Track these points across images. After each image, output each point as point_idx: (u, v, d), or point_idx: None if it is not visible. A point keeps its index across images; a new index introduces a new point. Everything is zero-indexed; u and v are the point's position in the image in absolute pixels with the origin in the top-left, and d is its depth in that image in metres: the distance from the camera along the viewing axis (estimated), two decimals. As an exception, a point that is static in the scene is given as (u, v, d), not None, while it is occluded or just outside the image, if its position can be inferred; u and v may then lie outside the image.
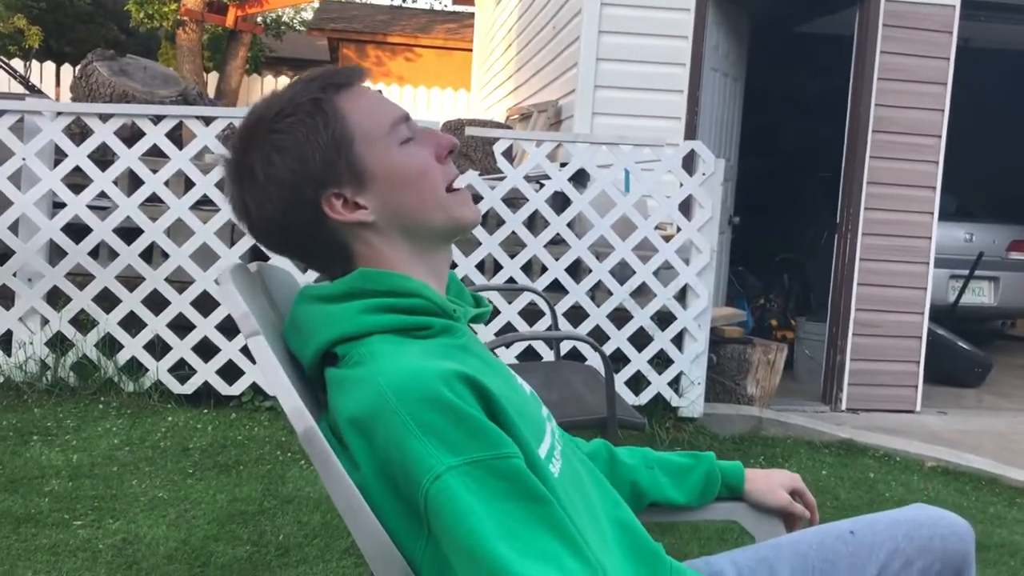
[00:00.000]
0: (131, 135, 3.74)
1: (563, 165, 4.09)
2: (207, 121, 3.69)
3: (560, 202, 4.04)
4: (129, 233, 3.70)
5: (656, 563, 1.16)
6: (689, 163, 4.14)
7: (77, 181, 3.72)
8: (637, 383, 4.03)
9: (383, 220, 1.08)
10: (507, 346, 3.62)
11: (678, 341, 4.01)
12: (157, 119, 3.64)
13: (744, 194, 6.59)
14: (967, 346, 6.29)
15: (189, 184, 3.72)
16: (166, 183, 3.69)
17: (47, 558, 2.48)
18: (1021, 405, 5.86)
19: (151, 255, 3.78)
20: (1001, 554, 3.00)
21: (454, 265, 3.79)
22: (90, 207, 3.69)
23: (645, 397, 3.99)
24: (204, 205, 3.77)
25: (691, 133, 5.19)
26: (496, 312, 3.80)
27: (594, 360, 3.75)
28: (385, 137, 1.07)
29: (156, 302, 3.71)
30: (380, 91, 1.15)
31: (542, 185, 3.94)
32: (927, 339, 5.52)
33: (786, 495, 1.47)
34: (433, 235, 1.11)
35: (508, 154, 3.93)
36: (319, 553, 2.62)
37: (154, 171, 3.64)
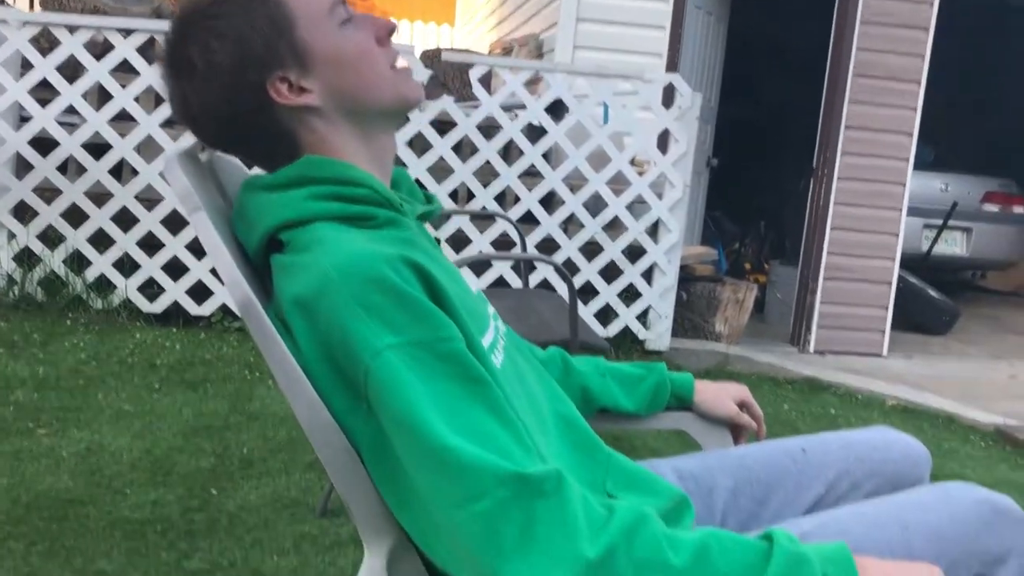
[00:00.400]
0: (102, 51, 3.68)
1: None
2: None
3: (537, 134, 4.03)
4: (98, 149, 3.65)
5: (595, 451, 1.18)
6: (669, 99, 4.13)
7: (45, 96, 3.66)
8: (606, 316, 4.07)
9: (328, 104, 1.07)
10: (477, 274, 3.64)
11: (648, 275, 4.04)
12: (127, 32, 3.58)
13: (725, 140, 6.59)
14: (936, 294, 6.37)
15: (160, 101, 3.68)
16: (136, 99, 3.64)
17: (10, 463, 2.50)
18: (984, 352, 5.97)
19: (120, 172, 3.74)
20: (952, 487, 3.08)
21: (423, 186, 3.78)
22: (58, 121, 3.64)
23: (613, 330, 4.03)
24: (175, 122, 3.72)
25: (672, 70, 5.17)
26: (467, 241, 3.80)
27: (563, 291, 3.77)
28: (326, 18, 1.06)
29: (125, 219, 3.69)
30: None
31: (518, 115, 3.91)
32: (897, 286, 5.59)
33: (734, 406, 1.49)
34: (378, 115, 1.10)
35: (485, 81, 3.90)
36: (283, 466, 2.66)
37: (124, 86, 3.59)
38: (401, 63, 1.13)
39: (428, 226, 1.57)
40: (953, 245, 7.37)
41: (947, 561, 1.01)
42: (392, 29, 1.11)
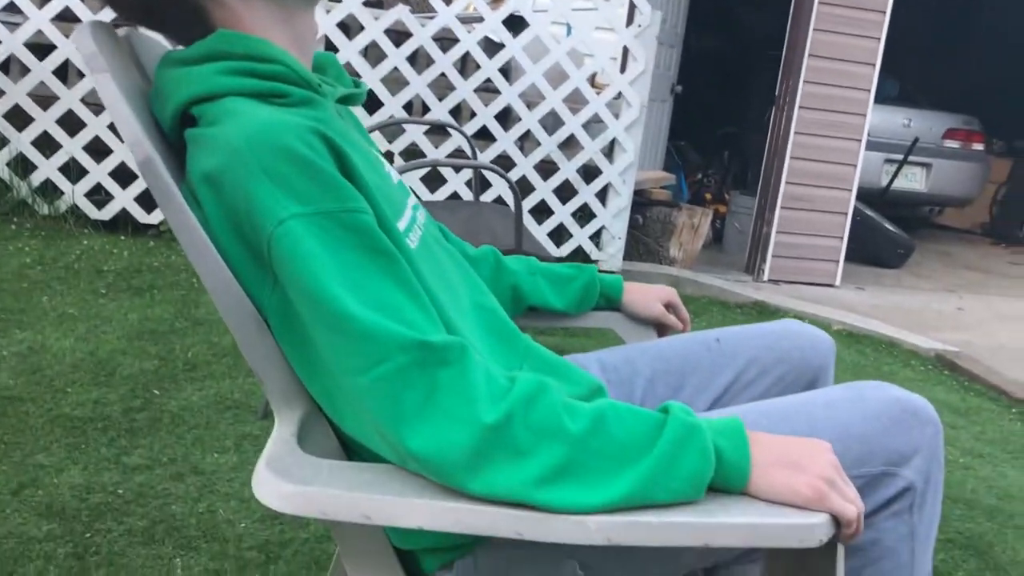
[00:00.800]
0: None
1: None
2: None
3: (494, 49, 3.98)
4: (42, 49, 3.55)
5: (513, 340, 1.19)
6: (630, 19, 4.08)
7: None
8: (559, 235, 4.08)
9: None
10: (431, 191, 3.62)
11: (602, 196, 4.05)
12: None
13: (692, 69, 6.55)
14: (892, 228, 6.45)
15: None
16: (82, -1, 3.54)
17: (-52, 360, 2.49)
18: (936, 286, 6.08)
19: (66, 74, 3.65)
20: (887, 406, 3.16)
21: (373, 97, 3.72)
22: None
23: (566, 249, 4.04)
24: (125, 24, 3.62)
25: (637, -7, 5.10)
26: (421, 153, 3.77)
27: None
28: None
29: (71, 123, 3.60)
30: None
31: (475, 28, 3.85)
32: (854, 218, 5.64)
33: (660, 307, 1.52)
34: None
35: (447, -1, 3.84)
36: (226, 371, 2.67)
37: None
38: None
39: (380, 135, 1.53)
40: (912, 180, 7.45)
41: (851, 457, 1.03)
42: None
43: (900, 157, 7.19)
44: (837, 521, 0.88)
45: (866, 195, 6.82)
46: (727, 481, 0.89)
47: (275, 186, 0.91)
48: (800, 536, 0.87)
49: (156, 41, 1.35)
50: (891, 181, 7.23)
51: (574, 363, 1.37)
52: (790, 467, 0.90)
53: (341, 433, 1.02)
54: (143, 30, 1.22)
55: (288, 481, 0.88)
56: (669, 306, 1.54)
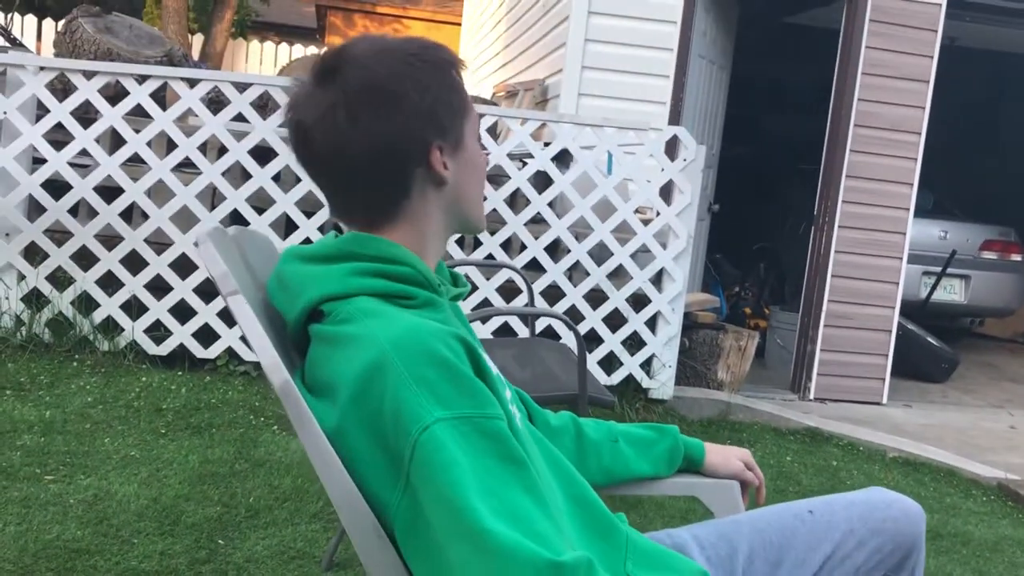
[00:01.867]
0: (114, 94, 3.72)
1: (547, 145, 4.12)
2: (192, 83, 3.68)
3: (542, 181, 4.07)
4: (109, 192, 3.69)
5: (612, 533, 1.19)
6: (671, 149, 4.18)
7: (58, 138, 3.70)
8: (609, 363, 4.09)
9: (450, 189, 1.14)
10: (483, 321, 3.66)
11: (652, 324, 4.07)
12: (142, 79, 3.62)
13: (725, 182, 6.64)
14: (935, 342, 6.40)
15: (172, 146, 3.72)
16: (148, 143, 3.68)
17: (18, 510, 2.49)
18: (983, 401, 5.99)
19: (131, 215, 3.77)
20: (954, 543, 3.08)
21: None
22: (71, 164, 3.68)
23: (617, 378, 4.04)
24: (186, 167, 3.76)
25: (675, 119, 5.23)
26: (474, 288, 3.83)
27: (568, 339, 3.80)
28: (475, 126, 1.16)
29: (134, 262, 3.71)
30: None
31: (525, 163, 3.96)
32: (897, 333, 5.62)
33: (740, 464, 1.56)
34: (461, 223, 1.20)
35: (492, 131, 3.95)
36: (288, 516, 2.66)
37: (137, 131, 3.63)
38: None
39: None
40: (952, 292, 7.41)
41: None
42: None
43: (938, 269, 7.17)
44: None
45: (906, 307, 6.77)
46: None
47: (421, 389, 0.94)
48: None
49: (262, 235, 1.42)
50: (930, 293, 7.20)
51: (670, 539, 1.38)
52: None
53: None
54: (249, 230, 1.28)
55: None
56: (749, 466, 1.57)
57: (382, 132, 1.08)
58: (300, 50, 13.35)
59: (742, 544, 1.38)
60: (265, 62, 13.16)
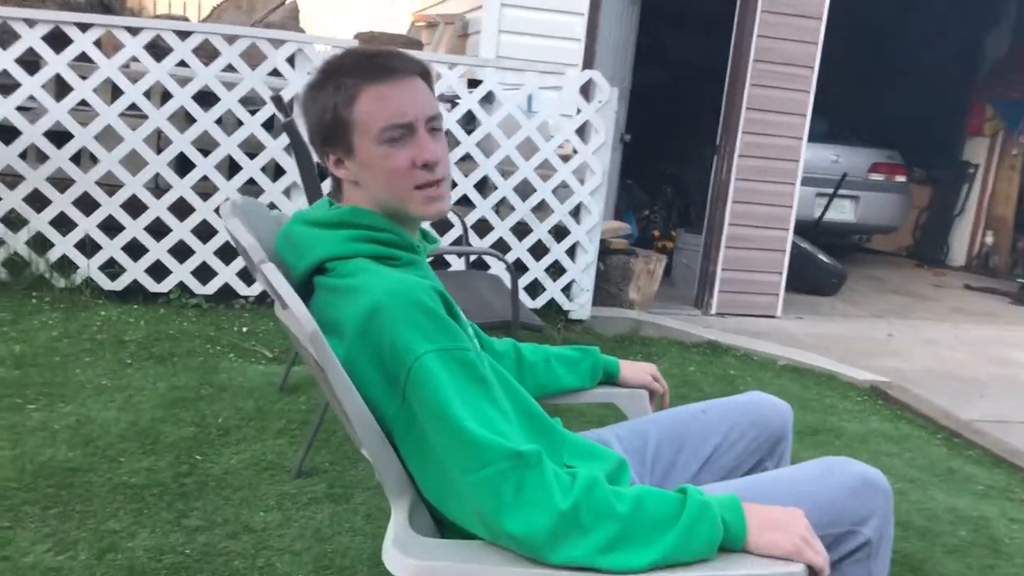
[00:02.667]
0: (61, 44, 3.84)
1: (471, 83, 4.40)
2: (134, 32, 3.84)
3: (468, 119, 4.37)
4: (59, 137, 3.85)
5: (552, 435, 1.57)
6: (587, 89, 4.52)
7: (6, 82, 3.82)
8: (534, 289, 4.48)
9: (363, 182, 1.43)
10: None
11: (571, 253, 4.47)
12: (84, 27, 3.76)
13: (636, 109, 6.98)
14: (826, 258, 6.97)
15: (118, 92, 3.88)
16: (94, 90, 3.84)
17: (9, 436, 2.76)
18: (867, 312, 6.61)
19: (80, 159, 3.95)
20: (829, 437, 3.61)
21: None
22: (19, 110, 3.82)
23: (540, 301, 4.45)
24: (132, 113, 3.94)
25: (590, 55, 5.55)
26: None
27: (497, 269, 4.16)
28: (376, 132, 1.37)
29: (86, 204, 3.90)
30: (414, 82, 1.42)
31: (455, 105, 4.25)
32: (791, 252, 6.14)
33: (649, 376, 1.97)
34: (396, 215, 1.45)
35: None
36: (256, 433, 2.99)
37: (83, 78, 3.78)
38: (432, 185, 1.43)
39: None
40: (842, 212, 8.02)
41: (824, 521, 1.38)
42: (431, 163, 1.40)
43: (831, 191, 7.75)
44: (811, 570, 1.27)
45: (800, 227, 7.32)
46: (731, 543, 1.27)
47: (413, 329, 1.28)
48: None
49: (256, 202, 1.72)
50: (823, 213, 7.79)
51: (596, 436, 1.78)
52: (776, 530, 1.29)
53: (437, 513, 1.38)
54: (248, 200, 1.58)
55: (413, 558, 1.25)
56: (655, 378, 1.98)
57: (306, 141, 1.43)
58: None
59: (651, 438, 1.78)
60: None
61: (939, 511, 2.98)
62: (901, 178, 8.27)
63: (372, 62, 1.39)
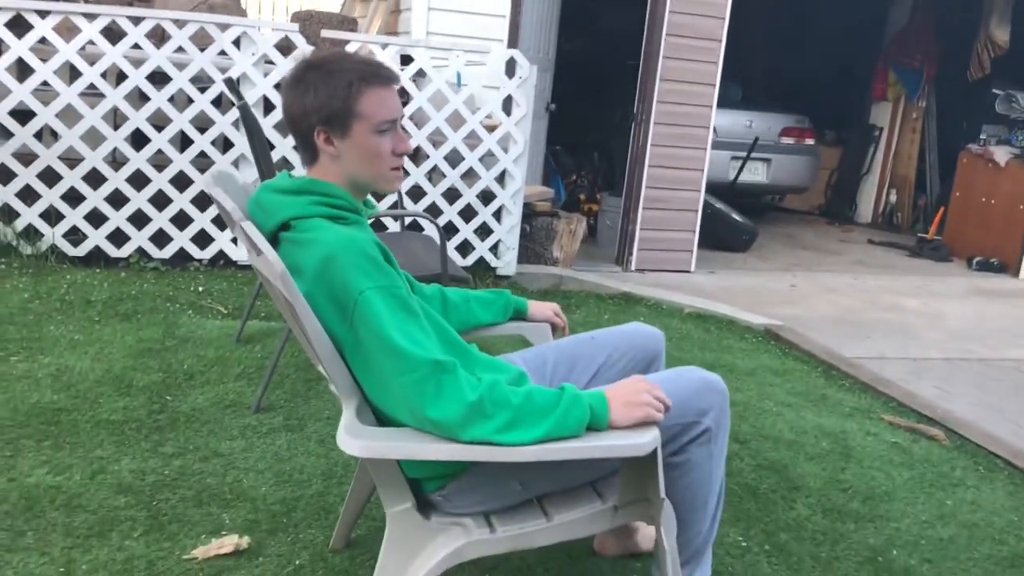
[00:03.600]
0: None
1: (404, 59, 4.80)
2: (90, 17, 4.15)
3: (401, 93, 4.77)
4: (22, 115, 4.17)
5: (467, 354, 2.02)
6: (511, 66, 4.94)
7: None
8: (464, 249, 4.94)
9: (343, 160, 1.83)
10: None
11: (497, 215, 4.92)
12: (44, 14, 4.07)
13: (563, 77, 7.35)
14: (739, 217, 7.51)
15: (76, 74, 4.20)
16: (55, 72, 4.16)
17: (-1, 384, 3.13)
18: (775, 266, 7.18)
19: (42, 135, 4.27)
20: (723, 372, 4.12)
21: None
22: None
23: (471, 260, 4.90)
24: (90, 92, 4.26)
25: (515, 29, 5.95)
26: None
27: (429, 229, 4.59)
28: (374, 124, 1.79)
29: (49, 177, 4.23)
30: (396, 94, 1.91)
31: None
32: (705, 211, 6.65)
33: (551, 312, 2.42)
34: (364, 187, 1.89)
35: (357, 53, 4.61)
36: (218, 377, 3.40)
37: (43, 60, 4.10)
38: (398, 168, 1.89)
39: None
40: (755, 174, 8.58)
41: (675, 413, 1.83)
42: (406, 152, 1.86)
43: (744, 154, 8.30)
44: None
45: (716, 188, 7.88)
46: (598, 422, 1.72)
47: (358, 271, 1.70)
48: (635, 451, 1.73)
49: (228, 173, 2.13)
50: (737, 176, 8.33)
51: (504, 359, 2.24)
52: (628, 406, 1.75)
53: (378, 411, 1.81)
54: (226, 169, 1.99)
55: (360, 438, 1.69)
56: (556, 313, 2.44)
57: (295, 112, 1.81)
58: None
59: (549, 359, 2.24)
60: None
61: (807, 428, 3.51)
62: (810, 141, 8.84)
63: (376, 70, 1.80)
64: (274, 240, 1.85)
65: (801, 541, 2.60)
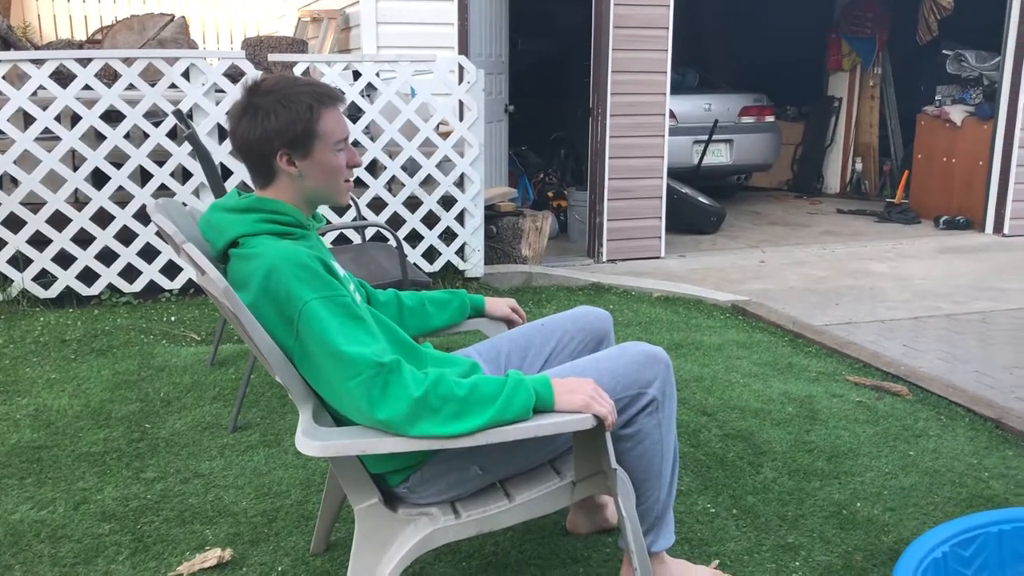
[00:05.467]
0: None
1: (356, 75, 4.88)
2: (38, 63, 4.22)
3: (354, 109, 4.85)
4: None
5: (418, 355, 2.10)
6: (461, 72, 5.03)
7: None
8: (431, 255, 5.02)
9: (303, 178, 1.90)
10: (323, 234, 4.47)
11: (460, 219, 5.01)
12: (-8, 63, 4.15)
13: (526, 78, 7.45)
14: (705, 200, 7.62)
15: (30, 120, 4.27)
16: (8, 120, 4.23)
17: (-23, 429, 3.19)
18: (744, 244, 7.28)
19: (2, 183, 4.33)
20: (691, 349, 4.22)
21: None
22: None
23: (438, 265, 4.98)
24: (45, 136, 4.33)
25: (464, 35, 6.05)
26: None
27: (394, 242, 4.66)
28: (331, 143, 1.88)
29: (13, 223, 4.30)
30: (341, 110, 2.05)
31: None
32: (672, 197, 6.75)
33: (508, 309, 2.49)
34: (320, 198, 1.96)
35: (306, 74, 4.69)
36: (194, 402, 3.47)
37: (-4, 109, 4.18)
38: (350, 180, 1.98)
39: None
40: (719, 156, 8.69)
41: (620, 385, 1.94)
42: (356, 165, 1.96)
43: (706, 138, 8.41)
44: (600, 420, 1.82)
45: (682, 174, 7.99)
46: (543, 406, 1.79)
47: (300, 283, 1.78)
48: (578, 426, 1.82)
49: (175, 201, 2.21)
50: (701, 159, 8.44)
51: (460, 355, 2.32)
52: (573, 392, 1.83)
53: (333, 412, 1.89)
54: (168, 200, 2.07)
55: (317, 440, 1.77)
56: (513, 309, 2.52)
57: (253, 138, 1.90)
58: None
59: (503, 349, 2.33)
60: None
61: (774, 395, 3.60)
62: (770, 118, 8.96)
63: (328, 91, 1.89)
64: (225, 257, 1.93)
65: (768, 502, 2.68)
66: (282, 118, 1.85)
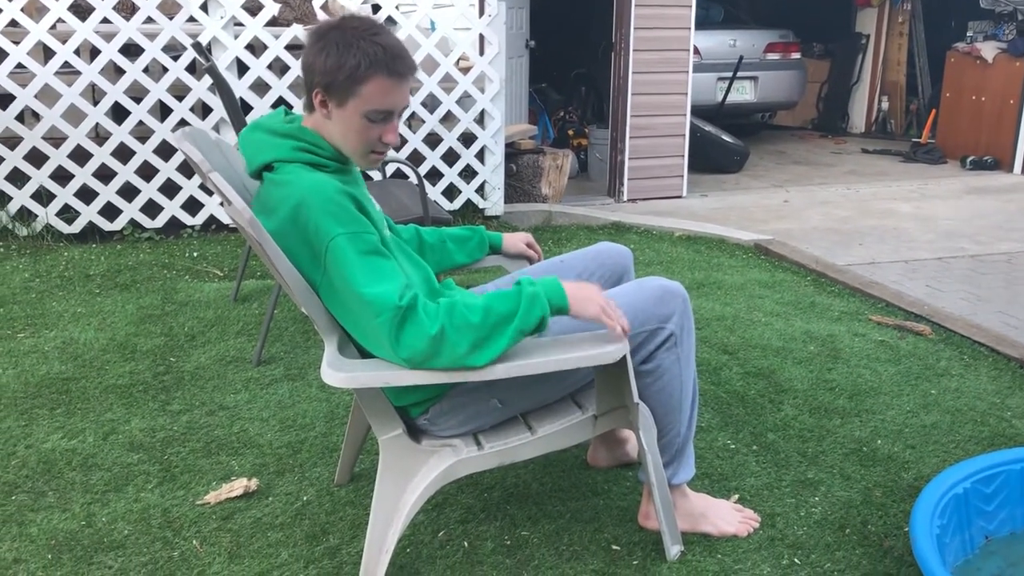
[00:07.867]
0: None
1: (375, 8, 4.81)
2: (57, -6, 4.20)
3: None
4: (2, 99, 4.23)
5: (443, 289, 2.10)
6: (482, 5, 4.94)
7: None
8: (451, 193, 4.99)
9: (332, 122, 1.87)
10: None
11: (480, 156, 4.97)
12: (11, -5, 4.11)
13: (548, 14, 7.31)
14: (728, 138, 7.53)
15: (50, 53, 4.25)
16: (28, 53, 4.21)
17: (7, 359, 3.23)
18: (768, 183, 7.21)
19: (24, 117, 4.33)
20: (713, 288, 4.21)
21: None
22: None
23: (458, 203, 4.96)
24: (66, 70, 4.31)
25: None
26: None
27: (415, 179, 4.63)
28: (367, 110, 1.82)
29: (36, 158, 4.31)
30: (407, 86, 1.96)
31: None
32: (695, 135, 6.66)
33: (524, 245, 2.48)
34: (345, 151, 1.91)
35: (325, 8, 4.63)
36: (218, 336, 3.50)
37: (16, 43, 4.14)
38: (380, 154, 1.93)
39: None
40: (743, 93, 8.56)
41: (639, 320, 1.95)
42: (390, 146, 1.91)
43: (730, 75, 8.27)
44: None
45: (705, 111, 7.89)
46: (559, 307, 1.77)
47: (329, 217, 1.78)
48: (602, 360, 1.82)
49: (200, 129, 2.20)
50: (725, 97, 8.31)
51: (482, 288, 2.32)
52: (585, 300, 1.81)
53: (358, 346, 1.91)
54: (221, 134, 2.06)
55: (342, 371, 1.78)
56: (530, 245, 2.51)
57: (306, 64, 1.86)
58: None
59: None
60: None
61: (796, 334, 3.59)
62: (795, 55, 8.80)
63: (391, 61, 1.82)
64: (259, 177, 1.92)
65: (788, 439, 2.69)
66: (332, 60, 1.81)
